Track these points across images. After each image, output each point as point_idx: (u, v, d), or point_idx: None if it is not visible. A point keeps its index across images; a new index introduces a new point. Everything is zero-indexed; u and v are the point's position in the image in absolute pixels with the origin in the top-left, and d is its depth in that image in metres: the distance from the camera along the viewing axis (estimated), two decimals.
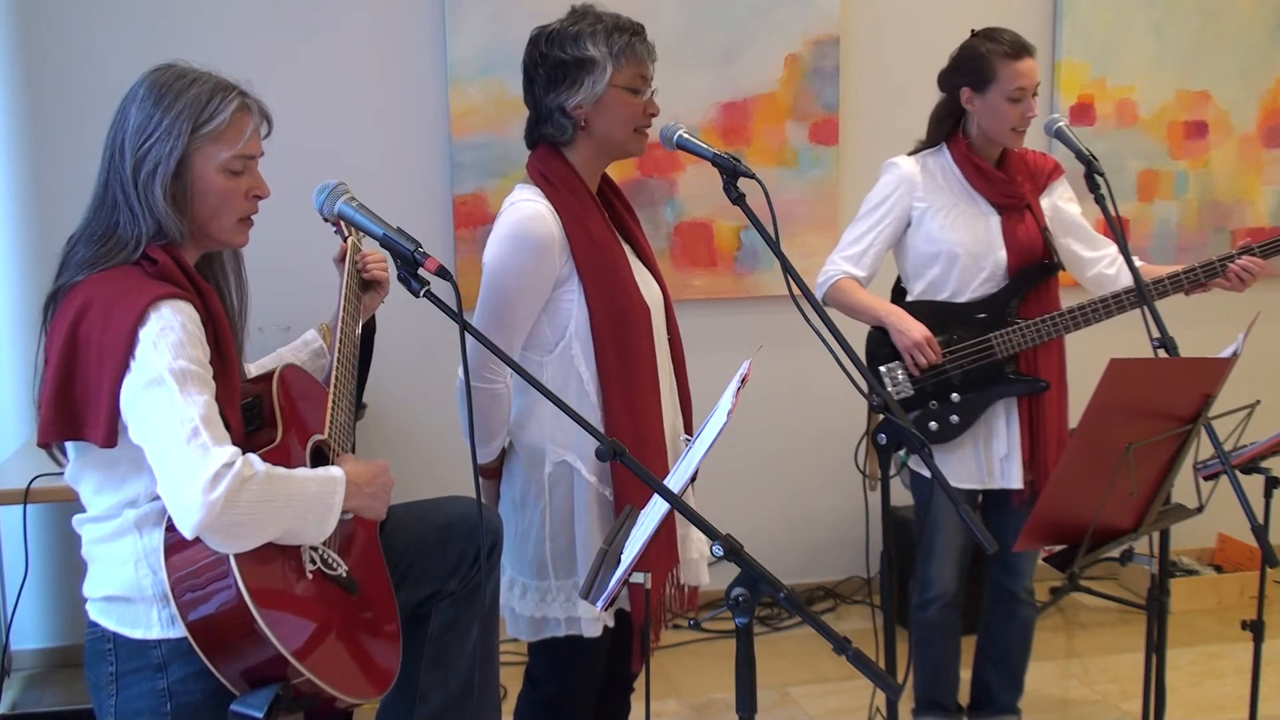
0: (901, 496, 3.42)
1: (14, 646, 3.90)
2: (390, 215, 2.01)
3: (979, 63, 2.94)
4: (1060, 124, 2.83)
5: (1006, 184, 3.01)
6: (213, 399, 1.82)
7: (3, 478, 3.23)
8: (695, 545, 2.53)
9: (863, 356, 3.01)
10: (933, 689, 3.23)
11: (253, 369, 2.25)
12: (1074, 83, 4.48)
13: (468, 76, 4.01)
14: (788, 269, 2.18)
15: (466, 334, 1.94)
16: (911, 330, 2.94)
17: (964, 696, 3.32)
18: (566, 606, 2.40)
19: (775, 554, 4.20)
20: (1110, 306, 2.97)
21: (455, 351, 2.44)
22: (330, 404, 2.14)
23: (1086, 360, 2.89)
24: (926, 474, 3.04)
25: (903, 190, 3.02)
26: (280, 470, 1.82)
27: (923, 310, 3.01)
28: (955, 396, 3.00)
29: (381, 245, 1.98)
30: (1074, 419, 2.64)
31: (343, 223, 2.23)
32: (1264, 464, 2.75)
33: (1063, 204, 3.12)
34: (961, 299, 3.02)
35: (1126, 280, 3.07)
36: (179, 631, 1.83)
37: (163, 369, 1.78)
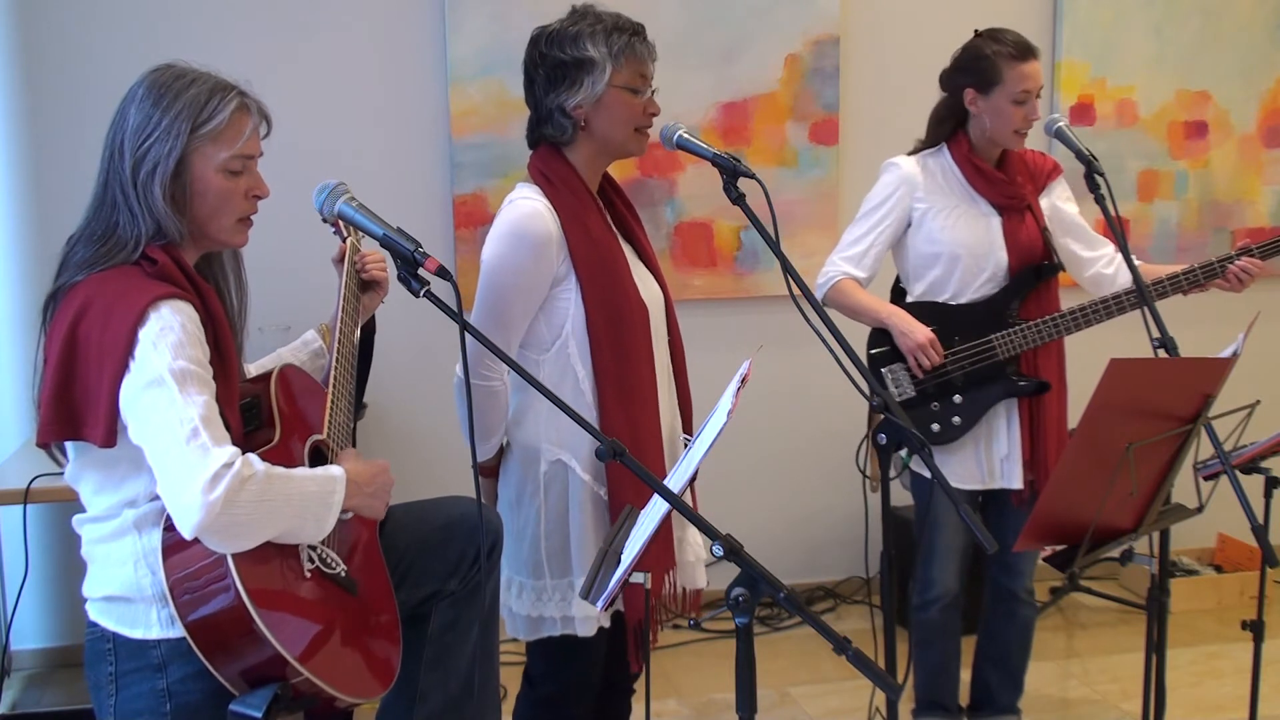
0: (902, 497, 3.42)
1: (14, 646, 3.90)
2: (390, 215, 2.01)
3: (984, 64, 2.93)
4: (1060, 124, 2.83)
5: (1007, 185, 3.01)
6: (212, 399, 1.82)
7: (3, 478, 3.23)
8: (692, 548, 2.53)
9: (864, 357, 3.01)
10: (933, 689, 3.23)
11: (252, 369, 2.25)
12: (1074, 83, 4.48)
13: (468, 76, 4.01)
14: (788, 269, 2.18)
15: (468, 336, 1.94)
16: (915, 332, 2.94)
17: (964, 697, 3.32)
18: (561, 606, 2.40)
19: (775, 554, 4.20)
20: (1111, 307, 2.97)
21: (455, 351, 2.44)
22: (329, 404, 2.14)
23: (1086, 360, 2.89)
24: (927, 474, 3.04)
25: (903, 191, 3.02)
26: (279, 470, 1.82)
27: (924, 312, 3.01)
28: (957, 398, 3.00)
29: (381, 245, 1.98)
30: (1074, 419, 2.64)
31: (342, 223, 2.23)
32: (1264, 464, 2.75)
33: (1061, 204, 3.12)
34: (962, 300, 3.02)
35: (1125, 280, 3.08)
36: (178, 631, 1.83)
37: (162, 369, 1.78)
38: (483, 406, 2.35)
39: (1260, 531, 2.47)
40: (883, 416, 2.15)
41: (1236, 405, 2.58)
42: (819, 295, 3.08)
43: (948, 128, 3.04)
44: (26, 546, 3.30)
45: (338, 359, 2.20)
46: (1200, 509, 2.57)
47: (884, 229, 3.04)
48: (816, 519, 4.50)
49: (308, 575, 1.91)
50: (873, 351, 3.05)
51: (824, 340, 2.21)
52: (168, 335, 1.80)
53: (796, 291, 2.19)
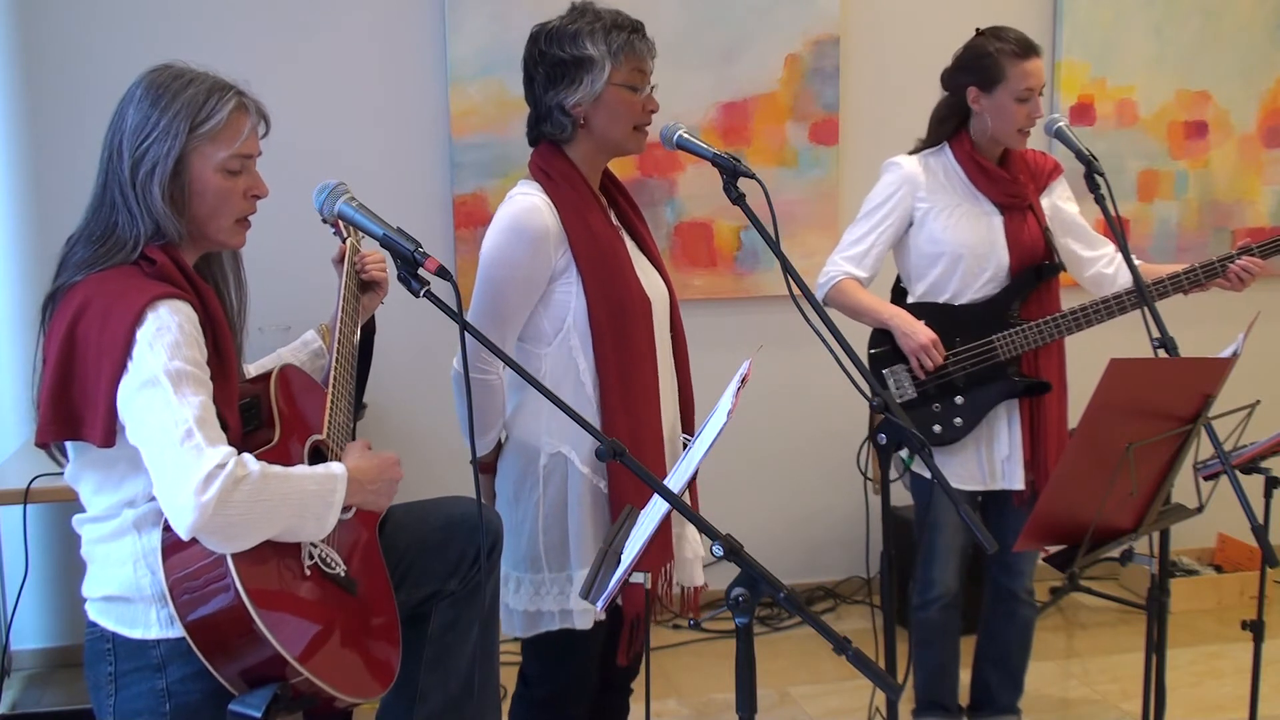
0: (902, 497, 3.42)
1: (14, 646, 3.90)
2: (390, 215, 2.01)
3: (987, 62, 2.93)
4: (1060, 124, 2.83)
5: (1010, 183, 3.01)
6: (209, 400, 1.82)
7: (3, 478, 3.23)
8: (690, 545, 2.53)
9: (864, 358, 3.01)
10: (933, 689, 3.23)
11: (252, 369, 2.25)
12: (1074, 83, 4.48)
13: (468, 76, 4.01)
14: (788, 269, 2.18)
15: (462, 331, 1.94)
16: (917, 333, 2.94)
17: (964, 697, 3.32)
18: (560, 599, 2.40)
19: (775, 554, 4.20)
20: (1112, 307, 2.97)
21: (454, 351, 2.45)
22: (329, 404, 2.14)
23: (1086, 360, 2.89)
24: (928, 475, 3.04)
25: (905, 190, 3.02)
26: (276, 469, 1.82)
27: (925, 312, 3.01)
28: (958, 399, 3.00)
29: (381, 245, 1.98)
30: (1074, 419, 2.64)
31: (341, 223, 2.23)
32: (1264, 464, 2.75)
33: (1062, 203, 3.12)
34: (963, 300, 3.02)
35: (1125, 279, 3.08)
36: (177, 631, 1.83)
37: (158, 370, 1.78)
38: (480, 401, 2.36)
39: (1260, 531, 2.47)
40: (883, 417, 2.15)
41: (1236, 405, 2.58)
42: (820, 295, 3.07)
43: (950, 127, 3.04)
44: (26, 546, 3.30)
45: (337, 359, 2.20)
46: (1200, 509, 2.57)
47: (885, 228, 3.04)
48: (816, 519, 4.50)
49: (307, 575, 1.91)
50: (873, 352, 3.05)
51: (824, 340, 2.21)
52: (164, 335, 1.80)
53: (796, 291, 2.19)
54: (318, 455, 2.07)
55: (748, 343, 4.19)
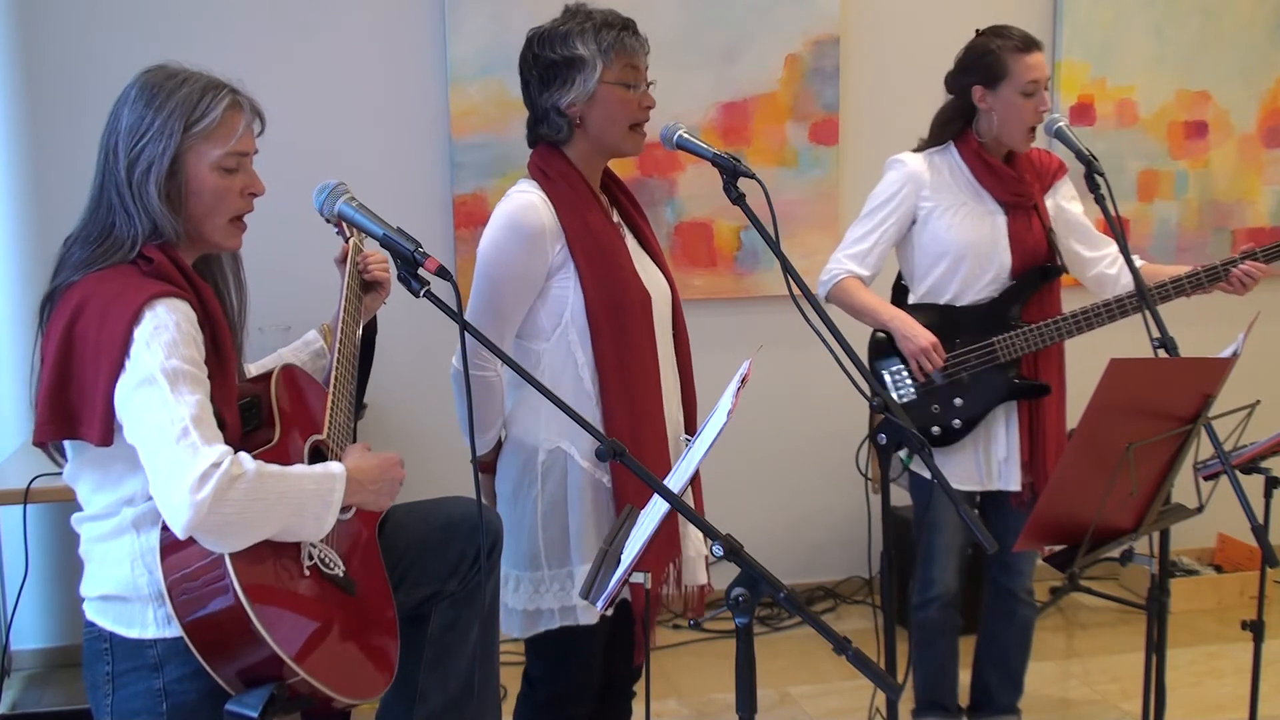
0: (900, 496, 3.41)
1: (14, 646, 3.90)
2: (390, 215, 2.01)
3: (989, 59, 2.93)
4: (1060, 124, 2.83)
5: (1017, 182, 3.00)
6: (206, 398, 1.82)
7: (3, 478, 3.23)
8: (693, 543, 2.53)
9: (864, 358, 3.01)
10: (933, 689, 3.23)
11: (253, 369, 2.25)
12: (1074, 83, 4.48)
13: (468, 76, 4.01)
14: (788, 269, 2.18)
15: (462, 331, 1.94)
16: (917, 336, 2.94)
17: (964, 698, 3.31)
18: (560, 596, 2.40)
19: (775, 554, 4.20)
20: (1114, 311, 2.97)
21: (454, 350, 2.45)
22: (330, 404, 2.14)
23: (1087, 361, 2.89)
24: (927, 475, 3.04)
25: (909, 188, 3.01)
26: (273, 468, 1.82)
27: (925, 313, 3.00)
28: (958, 400, 3.00)
29: (381, 245, 1.99)
30: (1073, 421, 2.64)
31: (344, 223, 2.23)
32: (1264, 464, 2.75)
33: (1066, 203, 3.12)
34: (964, 301, 3.01)
35: (1127, 280, 3.07)
36: (175, 631, 1.83)
37: (155, 368, 1.78)
38: (480, 399, 2.36)
39: (1260, 531, 2.47)
40: (870, 409, 2.15)
41: (1236, 405, 2.58)
42: (822, 292, 3.07)
43: (954, 129, 3.03)
44: (26, 546, 3.30)
45: (339, 359, 2.20)
46: (1200, 509, 2.57)
47: (889, 227, 3.03)
48: (816, 519, 4.50)
49: (306, 575, 1.91)
50: (873, 352, 3.05)
51: (824, 340, 2.21)
52: (162, 334, 1.80)
53: (796, 291, 2.19)
54: (318, 455, 2.07)
55: (748, 343, 4.19)
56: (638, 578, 1.82)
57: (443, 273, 1.89)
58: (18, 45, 3.78)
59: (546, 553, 2.41)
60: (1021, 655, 3.25)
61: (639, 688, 2.66)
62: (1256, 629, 2.82)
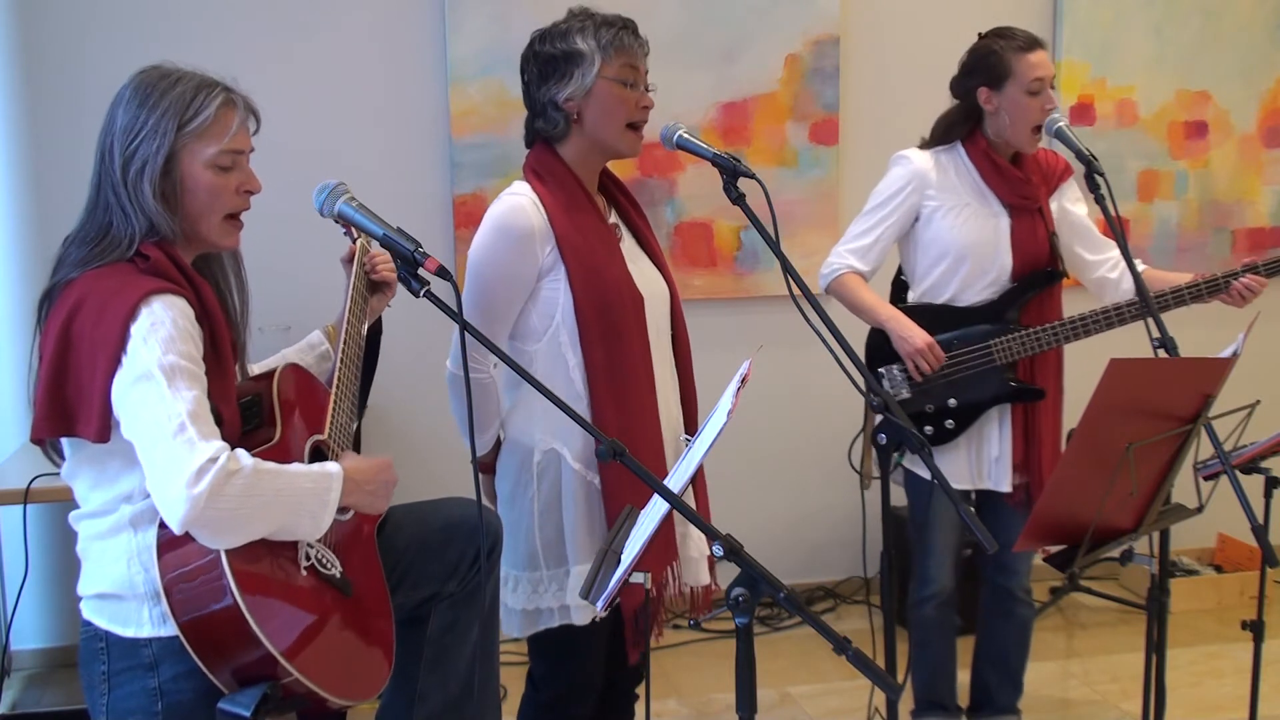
0: (896, 495, 3.41)
1: (14, 646, 3.90)
2: (390, 215, 2.01)
3: (993, 59, 2.93)
4: (1060, 124, 2.83)
5: (1023, 184, 3.00)
6: (203, 395, 1.82)
7: (3, 478, 3.23)
8: (695, 544, 2.53)
9: (862, 356, 3.01)
10: (931, 689, 3.23)
11: (256, 370, 2.25)
12: (1074, 83, 4.48)
13: (468, 76, 4.01)
14: (788, 269, 2.19)
15: (458, 329, 1.94)
16: (914, 337, 2.94)
17: (964, 699, 3.31)
18: (558, 595, 2.41)
19: (775, 554, 4.20)
20: (1111, 318, 2.97)
21: (449, 354, 2.45)
22: (331, 404, 2.14)
23: (1086, 361, 2.89)
24: (921, 473, 3.04)
25: (915, 185, 3.01)
26: (270, 465, 1.82)
27: (924, 313, 3.00)
28: (952, 401, 3.00)
29: (381, 245, 1.99)
30: (1070, 422, 2.64)
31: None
32: (1264, 464, 2.75)
33: (1070, 205, 3.12)
34: (963, 302, 3.01)
35: (1128, 284, 3.09)
36: (170, 630, 1.83)
37: (151, 364, 1.78)
38: (476, 400, 2.36)
39: (1260, 531, 2.47)
40: (871, 410, 2.15)
41: (1236, 405, 2.58)
42: (822, 285, 3.08)
43: (960, 132, 3.03)
44: (26, 546, 3.30)
45: (343, 359, 2.20)
46: (1200, 509, 2.57)
47: (891, 223, 3.03)
48: (816, 519, 4.50)
49: (303, 575, 1.91)
50: (870, 350, 3.05)
51: (824, 340, 2.21)
52: (158, 330, 1.81)
53: (796, 291, 2.20)
54: (318, 455, 2.07)
55: (748, 343, 4.19)
56: (638, 578, 1.82)
57: (443, 273, 1.90)
58: (17, 45, 3.78)
59: (544, 553, 2.41)
60: (1020, 655, 3.25)
61: (641, 690, 2.66)
62: (1256, 629, 2.82)
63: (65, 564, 3.85)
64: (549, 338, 2.39)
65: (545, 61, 2.36)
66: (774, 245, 2.20)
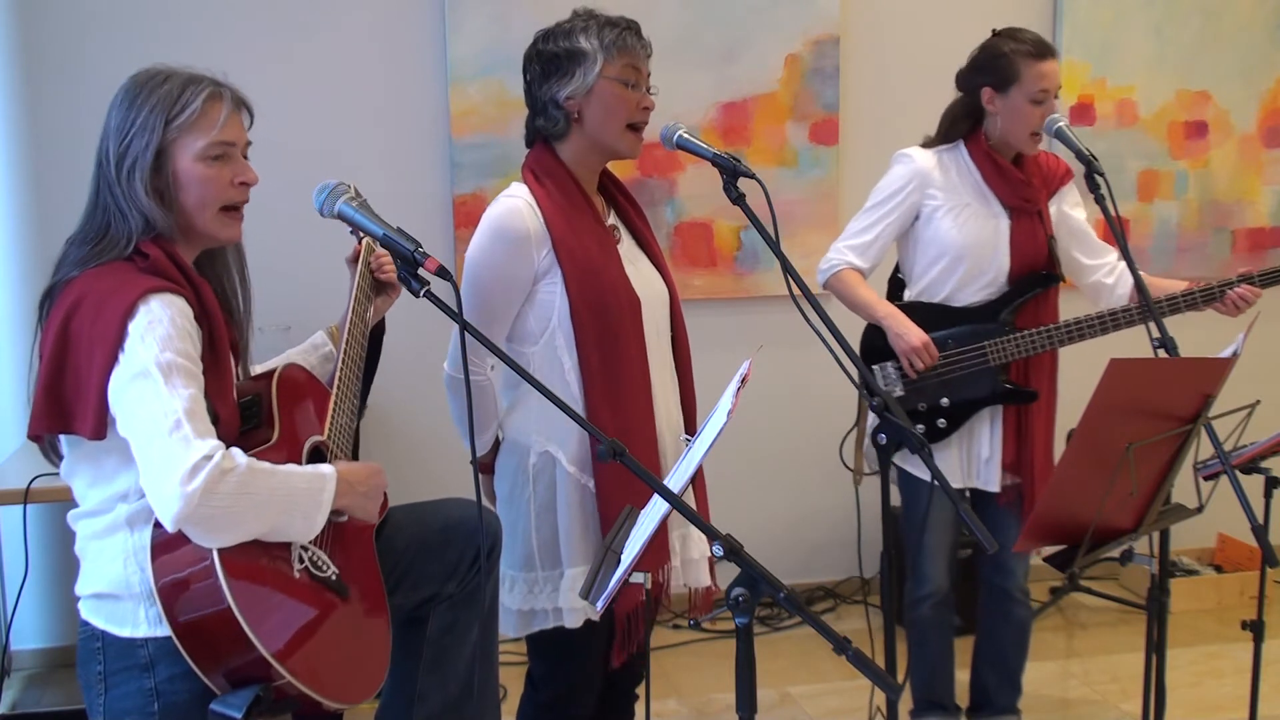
0: (894, 495, 3.41)
1: (14, 646, 3.90)
2: (390, 215, 2.01)
3: (1002, 62, 2.92)
4: (1060, 124, 2.83)
5: (1024, 186, 3.00)
6: (200, 393, 1.83)
7: (3, 478, 3.23)
8: (696, 545, 2.53)
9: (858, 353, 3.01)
10: (930, 689, 3.23)
11: (259, 371, 2.25)
12: (1074, 83, 4.47)
13: (468, 76, 4.01)
14: (788, 269, 2.19)
15: (455, 330, 1.94)
16: (909, 335, 2.94)
17: (963, 699, 3.31)
18: (553, 597, 2.41)
19: (775, 554, 4.19)
20: (1106, 323, 2.98)
21: (446, 356, 2.45)
22: (332, 405, 2.14)
23: (1085, 361, 2.89)
24: (914, 471, 3.04)
25: (916, 184, 3.01)
26: (264, 464, 1.83)
27: (919, 312, 3.00)
28: (945, 401, 3.01)
29: (381, 245, 1.99)
30: (1067, 423, 2.64)
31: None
32: (1264, 464, 2.75)
33: (1069, 209, 3.12)
34: (959, 302, 3.01)
35: (1124, 290, 3.11)
36: (166, 630, 1.83)
37: (149, 361, 1.79)
38: (473, 402, 2.36)
39: (1260, 531, 2.47)
40: (871, 410, 2.15)
41: (1236, 405, 2.58)
42: (820, 280, 3.08)
43: (963, 128, 3.03)
44: (26, 546, 3.30)
45: (344, 360, 2.20)
46: (1200, 509, 2.57)
47: (892, 221, 3.03)
48: (816, 519, 4.50)
49: (297, 577, 1.91)
50: (864, 347, 3.06)
51: (824, 340, 2.21)
52: (156, 328, 1.82)
53: (796, 291, 2.20)
54: (317, 456, 2.07)
55: (748, 343, 4.19)
56: (637, 578, 1.82)
57: (443, 273, 1.90)
58: (18, 46, 3.78)
59: (540, 554, 2.41)
60: (1019, 656, 3.25)
61: (641, 690, 2.66)
62: (1256, 629, 2.83)
63: (65, 564, 3.84)
64: (545, 340, 2.39)
65: (548, 60, 2.36)
66: (774, 245, 2.20)
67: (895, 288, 3.15)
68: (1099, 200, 2.66)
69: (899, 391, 3.01)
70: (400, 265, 1.93)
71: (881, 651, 2.27)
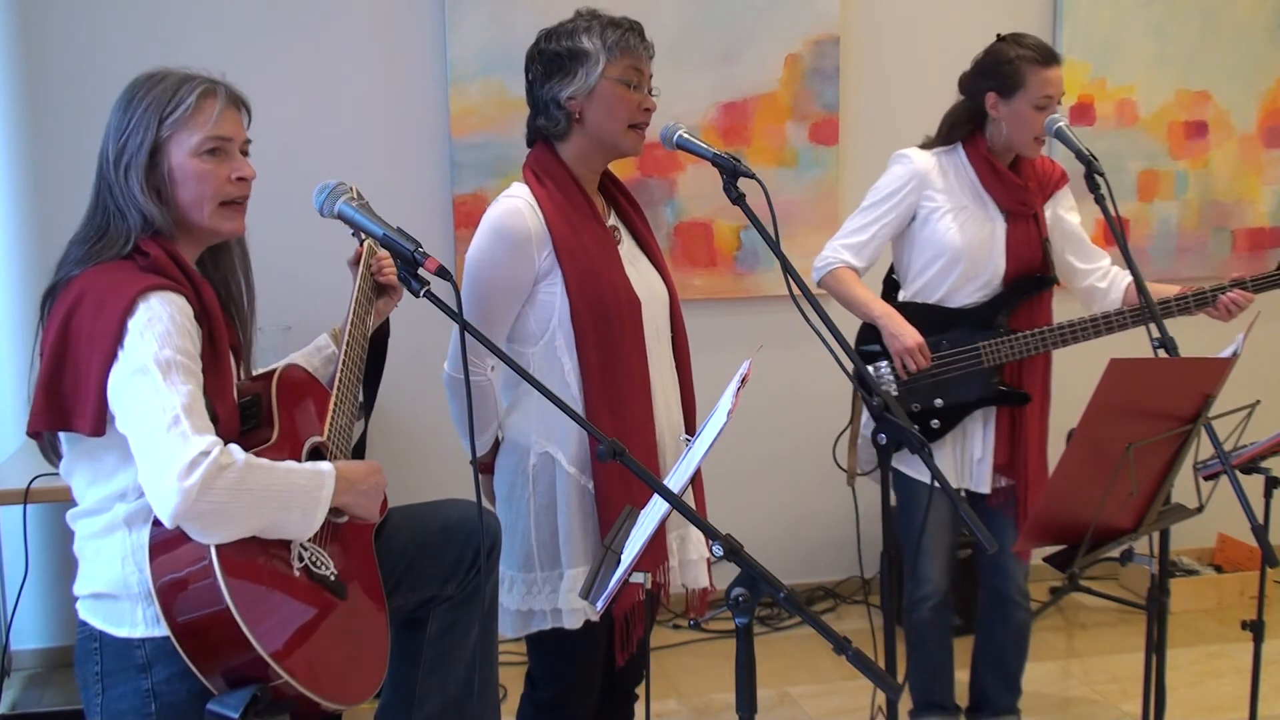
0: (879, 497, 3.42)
1: (14, 646, 3.90)
2: (390, 215, 2.01)
3: (1007, 68, 2.92)
4: (1060, 124, 2.83)
5: (1021, 190, 3.00)
6: (199, 390, 1.83)
7: (3, 478, 3.23)
8: (695, 546, 2.53)
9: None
10: (929, 689, 3.23)
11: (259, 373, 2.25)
12: (1074, 83, 4.47)
13: (468, 76, 4.01)
14: (788, 269, 2.18)
15: (455, 331, 1.94)
16: (904, 335, 2.94)
17: (963, 698, 3.31)
18: (551, 598, 2.41)
19: (775, 554, 4.20)
20: (1100, 326, 2.99)
21: (446, 356, 2.45)
22: (332, 406, 2.14)
23: (1084, 361, 2.89)
24: (908, 472, 3.04)
25: (914, 185, 3.01)
26: (263, 461, 1.83)
27: (915, 313, 3.00)
28: (938, 401, 3.01)
29: (381, 245, 1.99)
30: (1062, 424, 2.64)
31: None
32: (1264, 464, 2.75)
33: (1064, 213, 3.13)
34: (954, 304, 3.02)
35: (1116, 295, 3.12)
36: (164, 630, 1.83)
37: (148, 358, 1.80)
38: (473, 402, 2.36)
39: (1260, 531, 2.47)
40: (871, 410, 2.15)
41: (1236, 405, 2.58)
42: (815, 278, 3.08)
43: (964, 131, 3.03)
44: (26, 546, 3.30)
45: (345, 361, 2.20)
46: (1200, 509, 2.57)
47: (888, 221, 3.03)
48: (817, 519, 4.50)
49: (296, 576, 1.91)
50: (860, 347, 3.06)
51: (824, 340, 2.21)
52: (155, 325, 1.82)
53: (796, 291, 2.20)
54: (317, 456, 2.06)
55: (748, 343, 4.18)
56: (638, 577, 1.82)
57: (443, 273, 1.90)
58: (18, 45, 3.78)
59: (540, 554, 2.41)
60: (1018, 658, 3.25)
61: (641, 691, 2.66)
62: (1256, 629, 2.83)
63: (65, 564, 3.83)
64: (545, 342, 2.39)
65: (550, 59, 2.36)
66: (774, 245, 2.20)
67: (890, 288, 3.16)
68: (1099, 200, 2.65)
69: (892, 392, 3.01)
70: (400, 265, 1.94)
71: (881, 652, 2.27)
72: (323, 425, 2.11)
